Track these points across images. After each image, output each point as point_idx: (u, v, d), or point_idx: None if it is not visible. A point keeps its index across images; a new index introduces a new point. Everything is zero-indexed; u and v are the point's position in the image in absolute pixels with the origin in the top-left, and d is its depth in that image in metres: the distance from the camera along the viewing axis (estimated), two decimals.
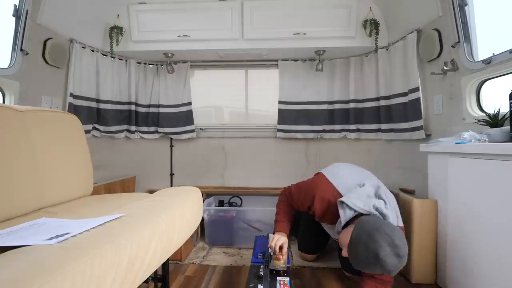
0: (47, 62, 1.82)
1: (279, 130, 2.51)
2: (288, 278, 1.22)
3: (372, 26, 2.14)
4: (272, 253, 1.36)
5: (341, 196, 1.28)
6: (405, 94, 2.02)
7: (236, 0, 2.19)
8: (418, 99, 1.89)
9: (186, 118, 2.55)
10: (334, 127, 2.49)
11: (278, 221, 1.51)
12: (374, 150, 2.44)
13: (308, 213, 1.53)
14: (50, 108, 1.85)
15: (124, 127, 2.48)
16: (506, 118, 1.27)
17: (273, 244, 1.36)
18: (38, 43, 1.77)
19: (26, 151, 1.09)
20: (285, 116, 2.50)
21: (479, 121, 1.41)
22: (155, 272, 1.24)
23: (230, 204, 2.39)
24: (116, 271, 0.66)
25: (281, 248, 1.36)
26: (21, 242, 0.66)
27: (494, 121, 1.32)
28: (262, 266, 1.27)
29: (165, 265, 1.32)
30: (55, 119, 1.31)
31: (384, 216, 1.16)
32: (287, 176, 2.48)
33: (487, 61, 1.43)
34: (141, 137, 2.59)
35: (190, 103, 2.55)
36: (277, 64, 2.56)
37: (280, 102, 2.50)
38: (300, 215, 1.77)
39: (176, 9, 2.22)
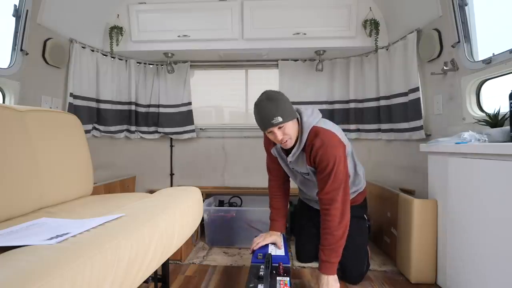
0: (47, 62, 1.82)
1: None
2: (288, 278, 1.22)
3: (372, 26, 2.14)
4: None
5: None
6: (405, 94, 2.02)
7: (236, 0, 2.19)
8: (418, 99, 1.88)
9: (186, 118, 2.54)
10: None
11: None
12: (374, 150, 2.43)
13: (300, 224, 1.71)
14: (50, 108, 1.85)
15: (124, 127, 2.48)
16: (506, 118, 1.27)
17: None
18: (38, 43, 1.76)
19: (26, 151, 1.09)
20: None
21: (479, 121, 1.40)
22: (155, 272, 1.24)
23: (230, 204, 2.39)
24: (116, 271, 0.66)
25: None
26: (21, 242, 0.66)
27: (494, 121, 1.32)
28: (262, 266, 1.27)
29: (165, 265, 1.32)
30: (55, 119, 1.31)
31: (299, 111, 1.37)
32: None
33: (487, 61, 1.43)
34: (141, 137, 2.59)
35: (190, 103, 2.55)
36: (277, 64, 2.56)
37: None
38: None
39: (176, 9, 2.22)
